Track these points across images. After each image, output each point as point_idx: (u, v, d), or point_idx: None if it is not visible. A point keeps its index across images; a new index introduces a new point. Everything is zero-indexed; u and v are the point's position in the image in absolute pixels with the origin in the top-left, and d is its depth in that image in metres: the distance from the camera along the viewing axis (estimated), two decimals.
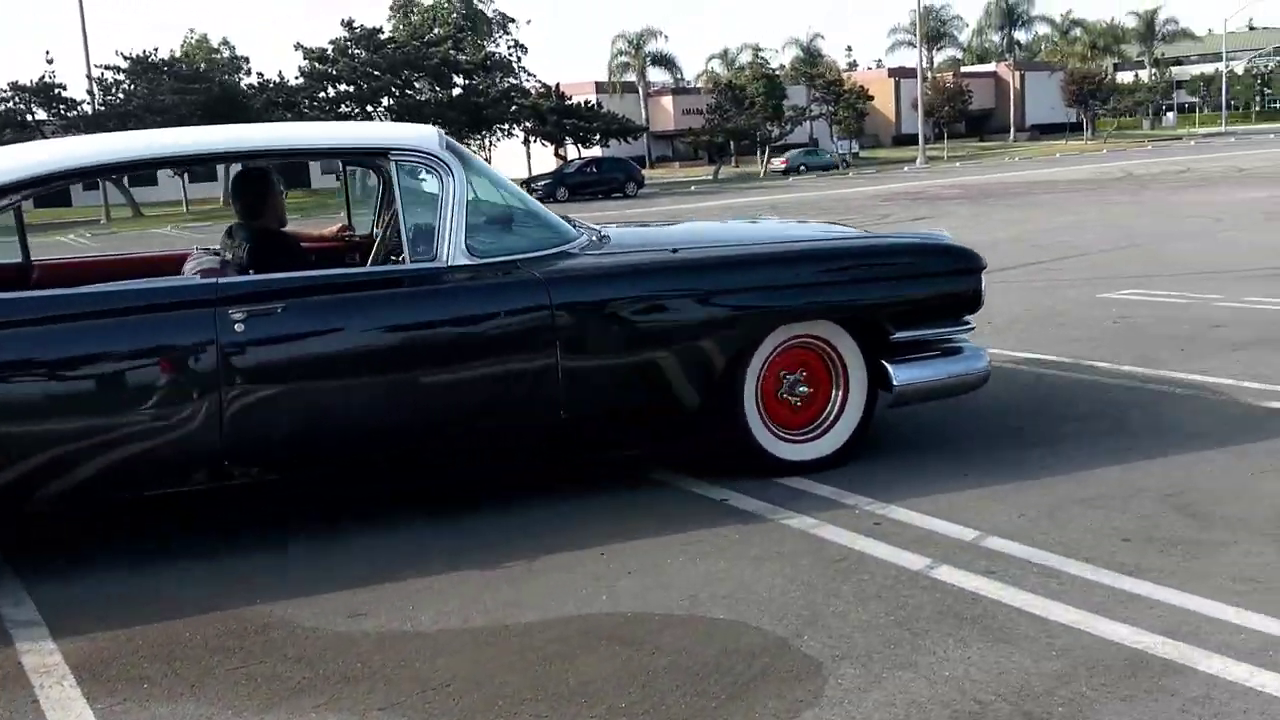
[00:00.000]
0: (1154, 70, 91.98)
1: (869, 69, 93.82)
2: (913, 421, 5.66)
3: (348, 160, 5.49)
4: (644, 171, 59.50)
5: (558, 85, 50.37)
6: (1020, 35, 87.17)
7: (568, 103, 47.92)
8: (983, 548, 4.03)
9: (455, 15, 49.80)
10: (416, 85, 44.85)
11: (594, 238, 4.96)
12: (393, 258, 4.59)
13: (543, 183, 41.05)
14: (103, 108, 39.74)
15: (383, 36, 42.50)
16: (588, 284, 4.56)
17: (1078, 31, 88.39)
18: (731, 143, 58.15)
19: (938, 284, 5.15)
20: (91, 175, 4.64)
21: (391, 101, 43.21)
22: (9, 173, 4.11)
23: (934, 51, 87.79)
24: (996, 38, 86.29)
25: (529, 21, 58.80)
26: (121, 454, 3.98)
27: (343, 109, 42.60)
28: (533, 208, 4.88)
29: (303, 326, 4.15)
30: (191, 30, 67.98)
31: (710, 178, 51.72)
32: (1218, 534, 4.06)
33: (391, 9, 51.21)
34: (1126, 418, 5.65)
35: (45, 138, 39.57)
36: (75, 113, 39.59)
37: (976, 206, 23.01)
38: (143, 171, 4.70)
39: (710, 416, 4.71)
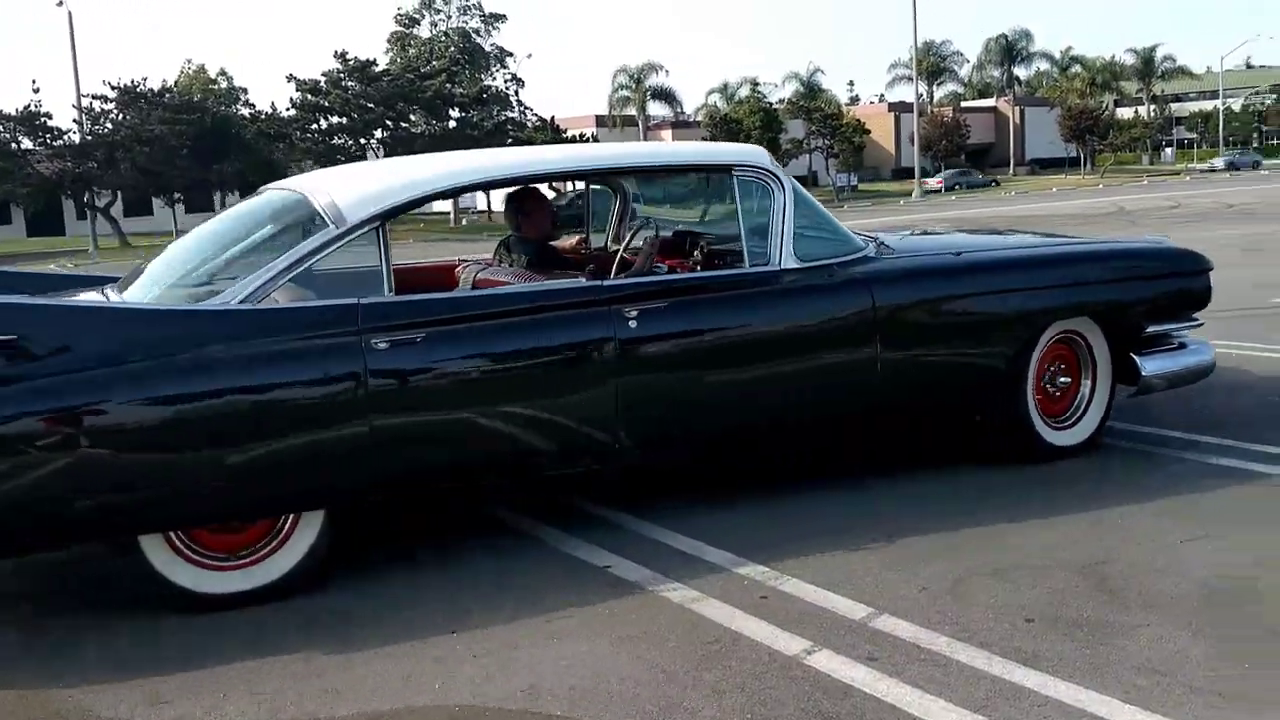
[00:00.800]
0: (1153, 107, 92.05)
1: (870, 103, 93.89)
2: (829, 471, 5.31)
3: (695, 173, 5.73)
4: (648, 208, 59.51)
5: (553, 118, 50.29)
6: (1020, 71, 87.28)
7: (563, 135, 47.78)
8: (870, 628, 3.65)
9: (453, 49, 49.81)
10: (412, 118, 44.77)
11: (877, 245, 5.33)
12: (715, 262, 5.03)
13: None
14: (90, 137, 39.58)
15: (377, 69, 42.40)
16: (902, 284, 5.04)
17: (1077, 68, 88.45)
18: None
19: (1177, 283, 5.72)
20: (485, 188, 5.35)
21: (385, 134, 43.09)
22: (431, 181, 4.61)
23: (934, 86, 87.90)
24: (997, 73, 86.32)
25: (529, 56, 59.26)
26: (535, 437, 4.32)
27: (335, 141, 42.49)
28: (828, 218, 5.19)
29: (679, 323, 4.57)
30: (189, 61, 68.06)
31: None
32: (1130, 614, 3.68)
33: (389, 42, 51.28)
34: (1059, 472, 5.27)
35: (32, 167, 39.48)
36: (61, 142, 39.42)
37: None
38: (522, 184, 5.26)
39: (999, 402, 5.23)
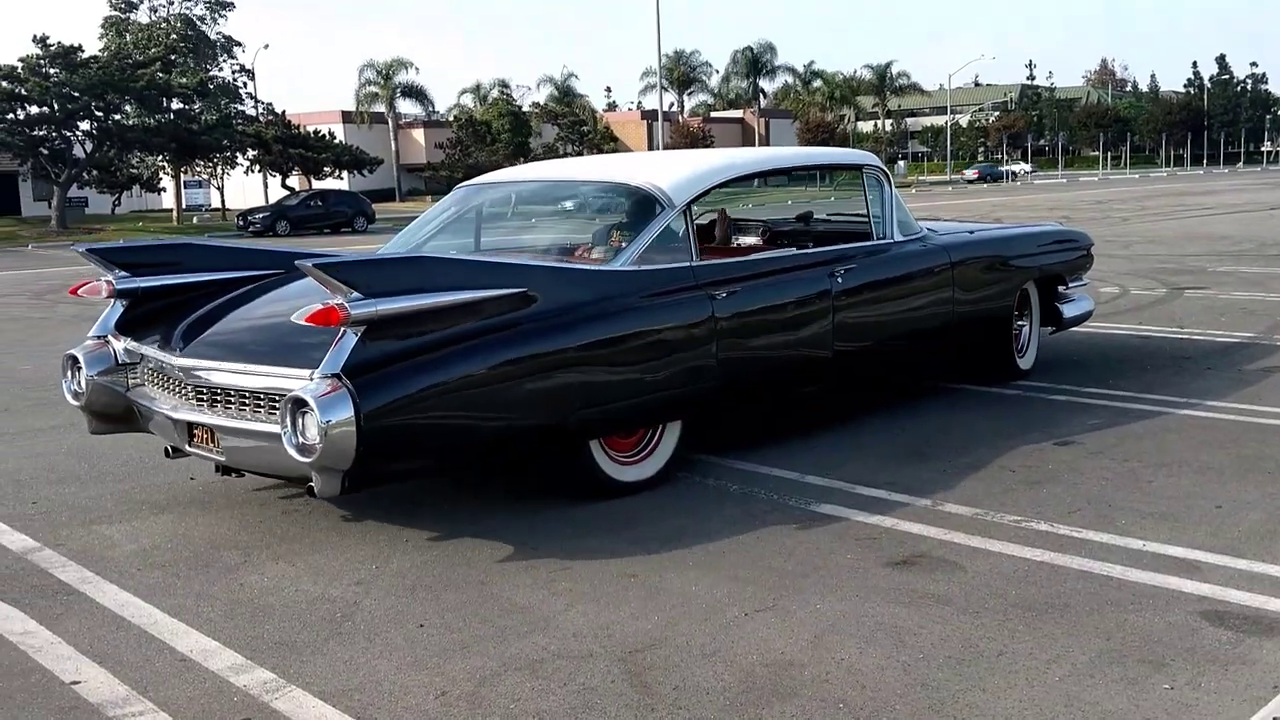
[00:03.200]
0: (890, 121, 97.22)
1: (627, 110, 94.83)
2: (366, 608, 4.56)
3: (843, 170, 7.11)
4: (393, 205, 57.54)
5: (284, 113, 47.67)
6: (766, 84, 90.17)
7: (297, 130, 45.36)
8: None
9: (173, 36, 46.32)
10: (127, 109, 41.35)
11: (925, 228, 6.97)
12: (845, 237, 6.67)
13: (260, 215, 38.34)
14: None
15: (83, 55, 38.82)
16: (960, 249, 6.89)
17: (818, 82, 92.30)
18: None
19: (1079, 254, 8.05)
20: (749, 179, 6.67)
21: (93, 125, 39.53)
22: (721, 170, 6.08)
23: (685, 96, 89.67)
24: (744, 85, 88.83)
25: (266, 46, 55.53)
26: (802, 357, 5.87)
27: (37, 132, 38.62)
28: (904, 206, 6.78)
29: (859, 278, 6.13)
30: None
31: None
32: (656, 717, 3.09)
33: (103, 27, 47.16)
34: (624, 516, 4.71)
35: None
36: None
37: None
38: (760, 177, 6.96)
39: (1000, 333, 7.26)
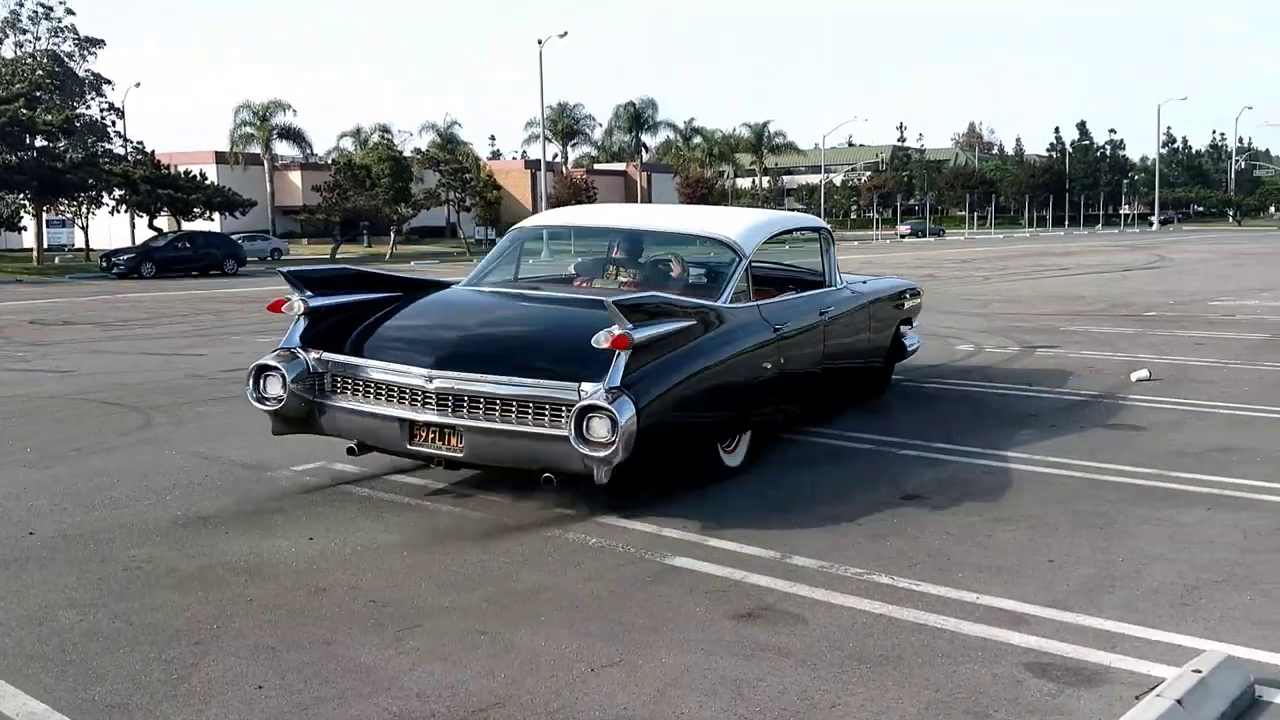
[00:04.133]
0: (768, 178, 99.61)
1: (512, 158, 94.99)
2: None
3: (810, 231, 8.75)
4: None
5: (153, 152, 46.30)
6: (649, 139, 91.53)
7: (165, 171, 44.07)
8: None
9: (39, 73, 44.74)
10: None
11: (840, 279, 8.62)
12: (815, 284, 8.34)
13: (125, 256, 37.06)
14: None
15: None
16: (871, 294, 8.84)
17: (699, 139, 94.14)
18: (366, 222, 56.32)
19: (917, 301, 10.07)
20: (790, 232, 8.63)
21: None
22: (776, 224, 8.25)
23: (569, 147, 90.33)
24: (627, 138, 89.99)
25: (138, 85, 53.72)
26: (808, 379, 7.54)
27: None
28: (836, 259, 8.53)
29: (833, 314, 7.91)
30: None
31: (328, 257, 49.54)
32: None
33: None
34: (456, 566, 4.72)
35: None
36: None
37: None
38: (790, 233, 8.71)
39: (888, 354, 9.21)
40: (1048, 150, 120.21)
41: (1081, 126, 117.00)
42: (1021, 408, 8.91)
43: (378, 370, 5.97)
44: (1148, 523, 5.56)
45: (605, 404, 5.21)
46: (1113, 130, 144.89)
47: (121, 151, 47.25)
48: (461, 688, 3.70)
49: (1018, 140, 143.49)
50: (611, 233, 7.97)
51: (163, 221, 46.10)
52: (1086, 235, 76.52)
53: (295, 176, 71.00)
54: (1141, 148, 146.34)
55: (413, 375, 5.77)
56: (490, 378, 5.62)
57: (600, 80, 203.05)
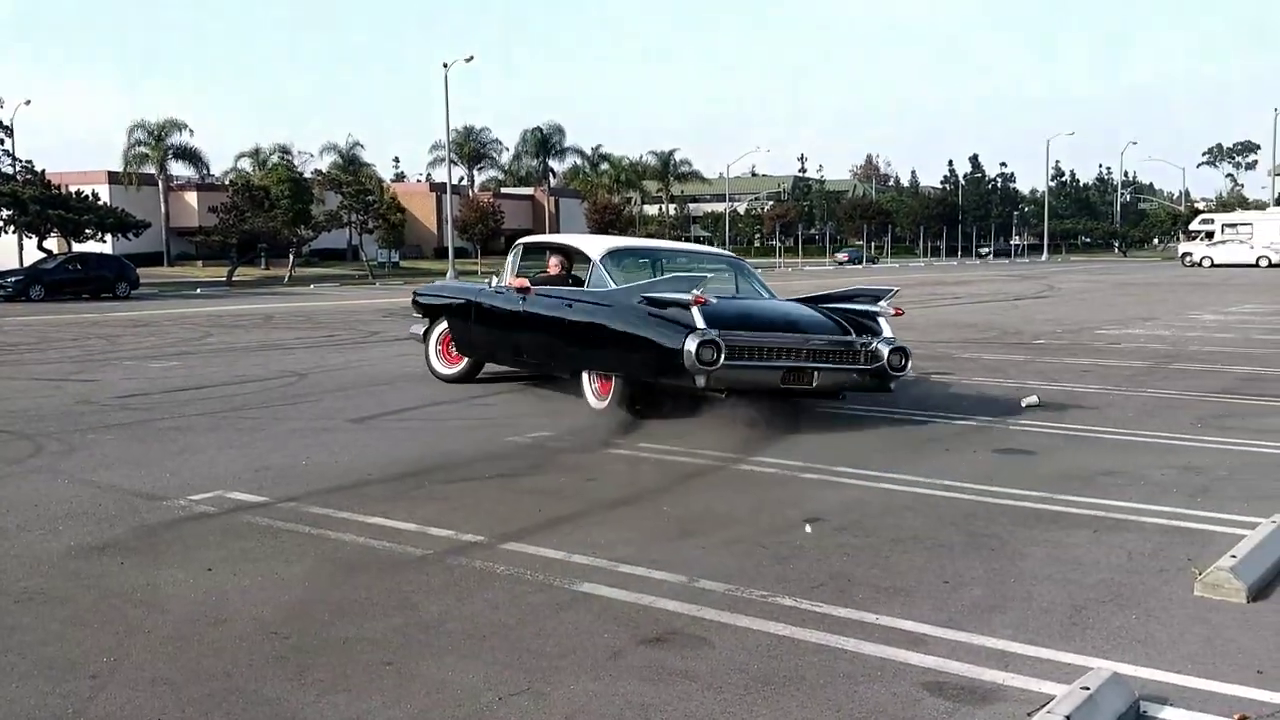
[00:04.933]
0: (674, 206, 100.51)
1: (416, 181, 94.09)
2: None
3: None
4: (160, 270, 54.79)
5: (43, 172, 44.96)
6: (556, 164, 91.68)
7: (55, 192, 42.77)
8: None
9: None
10: None
11: None
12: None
13: (13, 279, 35.79)
14: None
15: None
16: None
17: (606, 165, 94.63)
18: (264, 244, 55.27)
19: None
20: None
21: None
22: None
23: (476, 170, 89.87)
24: (534, 163, 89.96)
25: (28, 102, 51.96)
26: None
27: None
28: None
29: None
30: None
31: (224, 280, 48.49)
32: None
33: None
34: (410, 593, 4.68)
35: None
36: None
37: None
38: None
39: None
40: (941, 182, 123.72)
41: (974, 160, 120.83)
42: (919, 433, 9.15)
43: (767, 339, 9.10)
44: (1038, 544, 5.76)
45: (887, 343, 9.45)
46: (1004, 164, 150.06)
47: (10, 170, 45.70)
48: (368, 719, 3.67)
49: (913, 172, 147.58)
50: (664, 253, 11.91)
51: (52, 243, 44.67)
52: (979, 265, 78.80)
53: (191, 197, 69.36)
54: (1031, 180, 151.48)
55: (793, 339, 9.16)
56: (824, 338, 9.39)
57: (507, 106, 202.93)
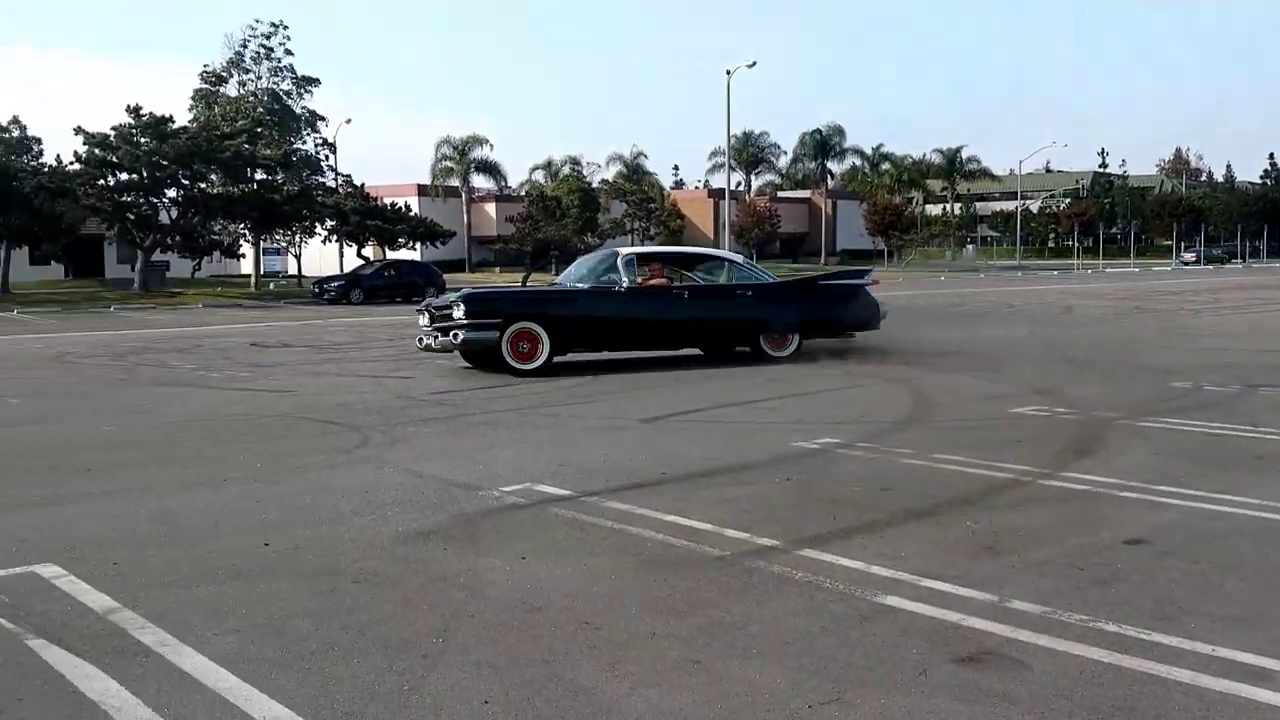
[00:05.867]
0: (959, 205, 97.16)
1: (695, 188, 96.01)
2: None
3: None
4: (461, 276, 58.50)
5: (363, 185, 49.05)
6: (835, 165, 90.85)
7: (372, 203, 46.60)
8: None
9: (260, 110, 48.13)
10: (213, 178, 42.79)
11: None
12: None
13: (336, 284, 39.35)
14: None
15: (173, 125, 40.43)
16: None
17: (887, 165, 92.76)
18: (555, 250, 58.06)
19: None
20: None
21: (179, 193, 40.98)
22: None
23: (753, 175, 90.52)
24: (812, 165, 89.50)
25: (348, 121, 57.34)
26: None
27: (125, 198, 40.10)
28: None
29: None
30: None
31: (520, 285, 51.04)
32: None
33: (193, 99, 49.16)
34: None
35: None
36: None
37: None
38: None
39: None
40: (1261, 178, 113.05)
41: None
42: (1246, 448, 8.38)
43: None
44: None
45: None
46: None
47: (333, 184, 50.16)
48: (681, 715, 3.73)
49: (1228, 167, 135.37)
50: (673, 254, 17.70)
51: (369, 250, 48.60)
52: None
53: (490, 208, 73.70)
54: None
55: None
56: None
57: (786, 110, 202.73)
